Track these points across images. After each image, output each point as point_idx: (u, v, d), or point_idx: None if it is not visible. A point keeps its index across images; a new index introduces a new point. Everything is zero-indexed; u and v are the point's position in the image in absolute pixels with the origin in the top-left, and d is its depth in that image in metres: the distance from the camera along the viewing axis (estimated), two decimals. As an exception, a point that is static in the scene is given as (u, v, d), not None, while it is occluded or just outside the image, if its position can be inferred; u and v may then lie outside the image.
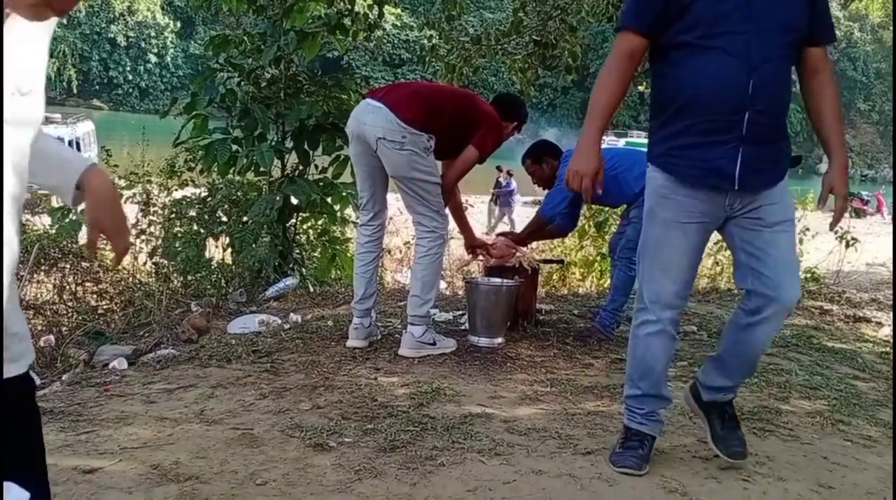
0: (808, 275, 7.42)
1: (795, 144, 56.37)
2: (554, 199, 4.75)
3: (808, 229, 7.60)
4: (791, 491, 2.71)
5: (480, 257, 4.93)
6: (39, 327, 5.12)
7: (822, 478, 2.84)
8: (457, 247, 7.91)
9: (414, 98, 4.08)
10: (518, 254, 4.81)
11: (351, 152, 4.30)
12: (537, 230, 5.05)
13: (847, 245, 7.56)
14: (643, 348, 2.79)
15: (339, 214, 6.19)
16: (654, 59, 2.72)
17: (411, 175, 4.02)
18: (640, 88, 8.30)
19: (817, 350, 4.84)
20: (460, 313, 5.01)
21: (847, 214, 3.06)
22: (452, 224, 4.89)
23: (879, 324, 5.94)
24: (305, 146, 5.91)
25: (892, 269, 7.21)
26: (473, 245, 4.84)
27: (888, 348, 5.10)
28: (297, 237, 6.33)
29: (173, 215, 6.20)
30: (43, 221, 6.50)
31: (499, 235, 5.12)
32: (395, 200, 4.45)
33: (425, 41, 9.62)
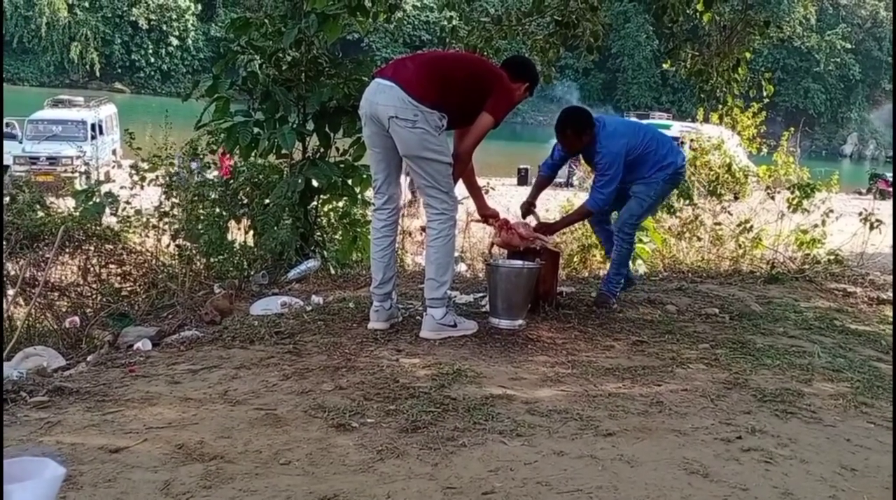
0: (832, 257, 7.34)
1: (819, 125, 55.85)
2: (604, 193, 4.68)
3: (831, 211, 7.52)
4: (813, 473, 2.70)
5: (493, 227, 4.83)
6: (64, 309, 5.18)
7: (844, 460, 2.83)
8: (477, 229, 7.93)
9: (424, 75, 4.04)
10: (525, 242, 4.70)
11: (364, 134, 4.26)
12: (578, 220, 5.09)
13: (871, 227, 7.46)
14: None
15: (359, 196, 6.19)
16: None
17: (423, 155, 4.00)
18: (665, 66, 8.19)
19: (840, 332, 4.82)
20: (481, 295, 5.01)
21: (872, 196, 3.04)
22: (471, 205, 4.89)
23: (904, 306, 5.89)
24: (326, 129, 5.92)
25: (894, 251, 7.10)
26: (485, 214, 4.75)
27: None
28: (319, 220, 6.34)
29: (196, 198, 6.24)
30: (67, 204, 6.55)
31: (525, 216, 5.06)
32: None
33: (445, 22, 9.56)
